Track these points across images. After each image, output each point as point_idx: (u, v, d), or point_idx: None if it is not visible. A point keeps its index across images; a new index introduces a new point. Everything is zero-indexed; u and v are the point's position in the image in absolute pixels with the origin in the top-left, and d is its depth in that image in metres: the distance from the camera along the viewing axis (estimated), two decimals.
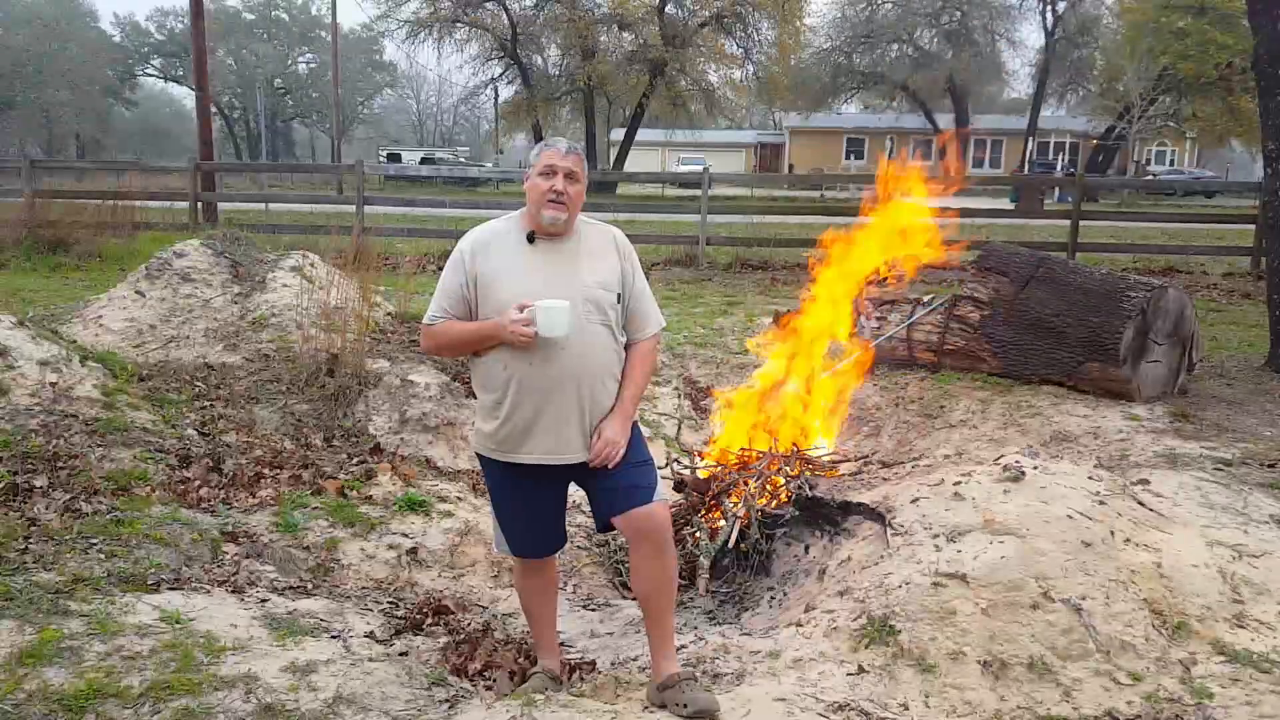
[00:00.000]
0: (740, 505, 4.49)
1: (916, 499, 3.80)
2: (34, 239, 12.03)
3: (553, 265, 2.89)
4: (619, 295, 2.94)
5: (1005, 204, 25.53)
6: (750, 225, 14.61)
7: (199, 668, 2.93)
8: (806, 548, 4.22)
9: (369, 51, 62.38)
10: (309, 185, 32.48)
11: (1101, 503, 3.60)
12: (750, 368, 6.91)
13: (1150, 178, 36.34)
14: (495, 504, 3.15)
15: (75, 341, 5.57)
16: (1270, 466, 5.01)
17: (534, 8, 34.45)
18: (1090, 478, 3.80)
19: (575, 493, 3.19)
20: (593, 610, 4.22)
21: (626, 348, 3.00)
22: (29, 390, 4.58)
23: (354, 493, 4.65)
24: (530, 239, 2.91)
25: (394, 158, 45.64)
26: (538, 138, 35.67)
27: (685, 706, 2.77)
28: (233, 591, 3.58)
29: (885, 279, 6.46)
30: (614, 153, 38.26)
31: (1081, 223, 14.06)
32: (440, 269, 3.05)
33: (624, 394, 2.96)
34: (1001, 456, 4.01)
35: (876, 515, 3.89)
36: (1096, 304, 6.38)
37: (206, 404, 5.26)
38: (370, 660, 3.20)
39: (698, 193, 14.49)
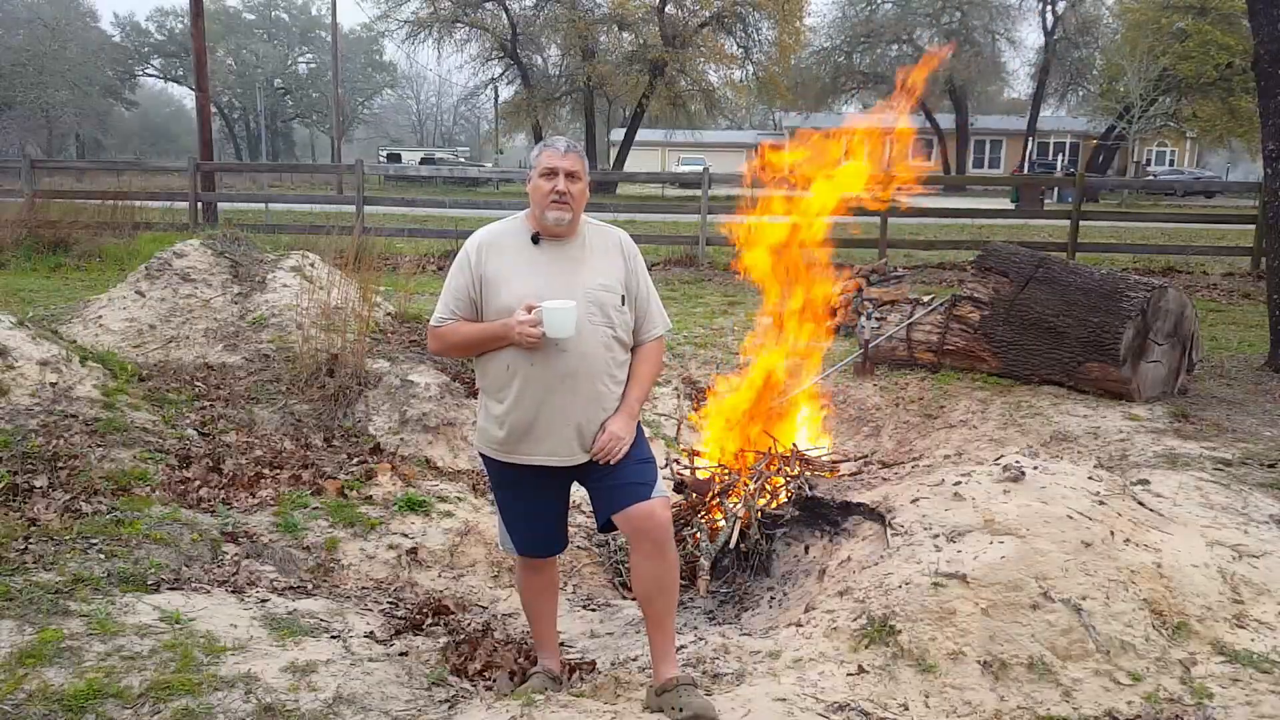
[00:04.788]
0: (740, 505, 4.49)
1: (916, 499, 3.80)
2: (34, 239, 12.03)
3: (556, 266, 2.90)
4: (623, 297, 2.94)
5: (1006, 204, 25.57)
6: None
7: (199, 668, 2.93)
8: (806, 548, 4.22)
9: (369, 51, 62.43)
10: (309, 185, 32.49)
11: (1101, 503, 3.60)
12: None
13: (1150, 178, 36.34)
14: (499, 503, 3.15)
15: (75, 341, 5.57)
16: (1270, 466, 5.01)
17: (534, 8, 34.45)
18: (1090, 478, 3.80)
19: (575, 493, 3.19)
20: (593, 610, 4.22)
21: (632, 350, 3.01)
22: (29, 390, 4.58)
23: (354, 493, 4.65)
24: (535, 240, 2.92)
25: (394, 158, 45.66)
26: (538, 138, 35.70)
27: (680, 711, 2.76)
28: (233, 591, 3.57)
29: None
30: (614, 153, 38.26)
31: (1081, 223, 14.07)
32: (440, 269, 3.07)
33: (629, 393, 2.97)
34: (1001, 456, 4.01)
35: (876, 515, 3.89)
36: (1096, 304, 6.38)
37: (206, 404, 5.26)
38: (370, 660, 3.20)
39: (698, 193, 14.49)
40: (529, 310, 2.77)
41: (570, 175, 2.86)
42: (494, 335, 2.86)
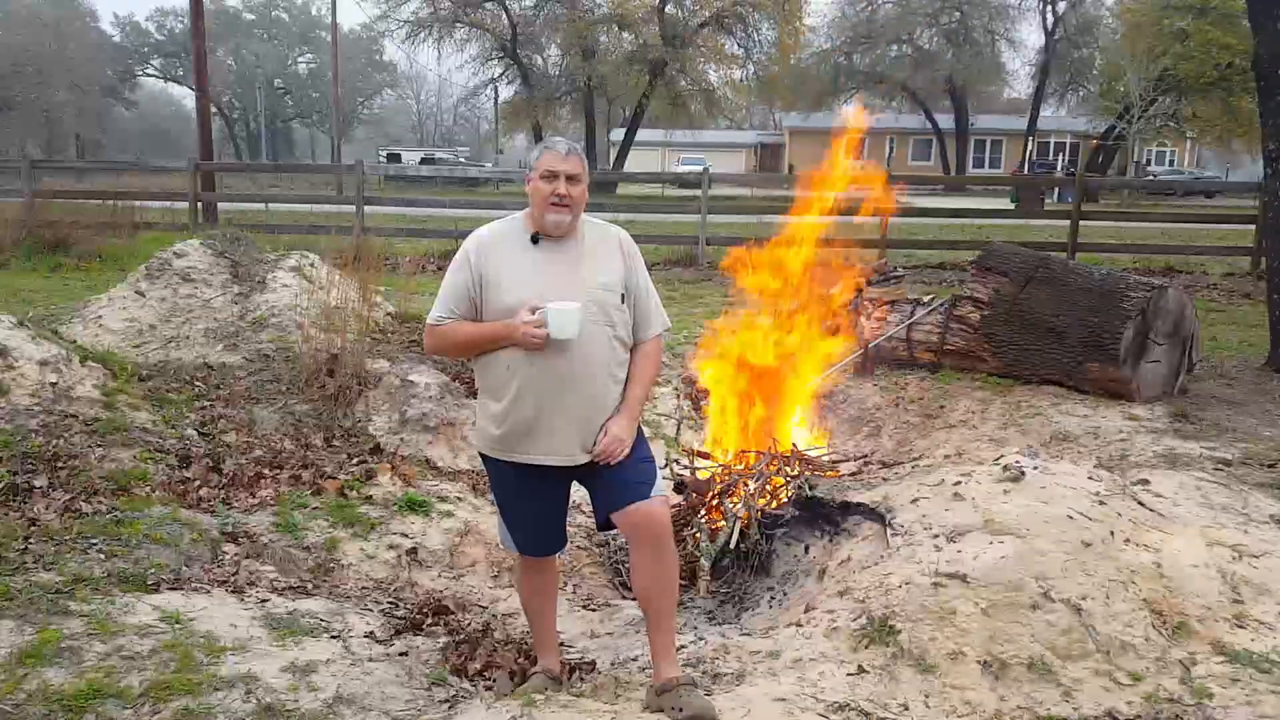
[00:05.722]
0: (740, 505, 4.49)
1: (916, 499, 3.80)
2: (34, 239, 12.04)
3: (556, 266, 2.89)
4: (623, 296, 2.94)
5: (1006, 204, 25.56)
6: (750, 225, 14.61)
7: (199, 668, 2.93)
8: (806, 548, 4.21)
9: (369, 51, 62.36)
10: (309, 185, 32.42)
11: (1101, 503, 3.60)
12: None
13: (1150, 178, 36.34)
14: (499, 503, 3.15)
15: (75, 341, 5.57)
16: (1270, 466, 5.01)
17: (534, 8, 34.44)
18: (1090, 478, 3.80)
19: (575, 493, 3.19)
20: (593, 610, 4.22)
21: (632, 349, 3.01)
22: (29, 390, 4.58)
23: (354, 493, 4.65)
24: (534, 240, 2.92)
25: (394, 158, 45.63)
26: (538, 138, 35.69)
27: (680, 711, 2.76)
28: (233, 591, 3.57)
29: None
30: (614, 153, 38.23)
31: (1081, 223, 14.07)
32: (440, 269, 3.07)
33: (630, 394, 2.96)
34: (1001, 456, 4.01)
35: (876, 515, 3.89)
36: (1096, 304, 6.38)
37: (206, 404, 5.26)
38: (370, 660, 3.21)
39: (698, 193, 14.50)
40: (533, 311, 2.78)
41: (571, 178, 2.86)
42: (496, 335, 2.86)
